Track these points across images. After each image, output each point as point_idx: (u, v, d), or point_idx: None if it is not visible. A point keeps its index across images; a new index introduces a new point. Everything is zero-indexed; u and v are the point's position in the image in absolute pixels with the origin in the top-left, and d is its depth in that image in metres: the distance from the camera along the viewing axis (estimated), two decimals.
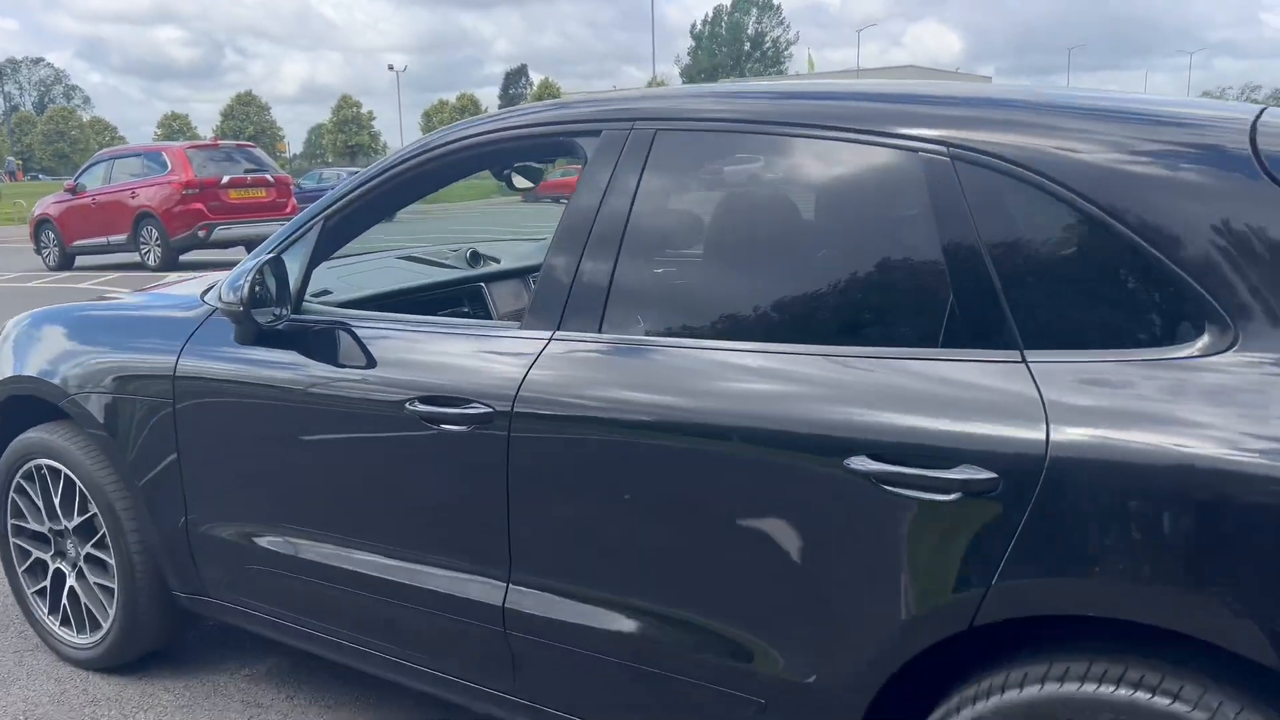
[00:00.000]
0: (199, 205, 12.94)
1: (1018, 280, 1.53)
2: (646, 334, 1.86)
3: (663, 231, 1.94)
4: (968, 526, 1.47)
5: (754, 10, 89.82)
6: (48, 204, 14.71)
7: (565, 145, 2.12)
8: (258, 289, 2.26)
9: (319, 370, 2.22)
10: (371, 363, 2.17)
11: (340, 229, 2.37)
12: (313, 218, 2.36)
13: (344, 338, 2.25)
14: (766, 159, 1.86)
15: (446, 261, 3.13)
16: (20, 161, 76.12)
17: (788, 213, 1.85)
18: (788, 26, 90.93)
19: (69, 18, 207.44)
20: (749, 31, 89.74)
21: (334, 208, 2.33)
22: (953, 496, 1.47)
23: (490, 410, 1.93)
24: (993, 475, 1.44)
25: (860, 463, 1.54)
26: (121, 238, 13.57)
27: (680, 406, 1.74)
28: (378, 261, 3.02)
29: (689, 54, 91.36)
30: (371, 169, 2.30)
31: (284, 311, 2.29)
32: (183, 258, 13.48)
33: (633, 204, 1.90)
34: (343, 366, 2.20)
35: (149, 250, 13.36)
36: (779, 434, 1.63)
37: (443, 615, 2.08)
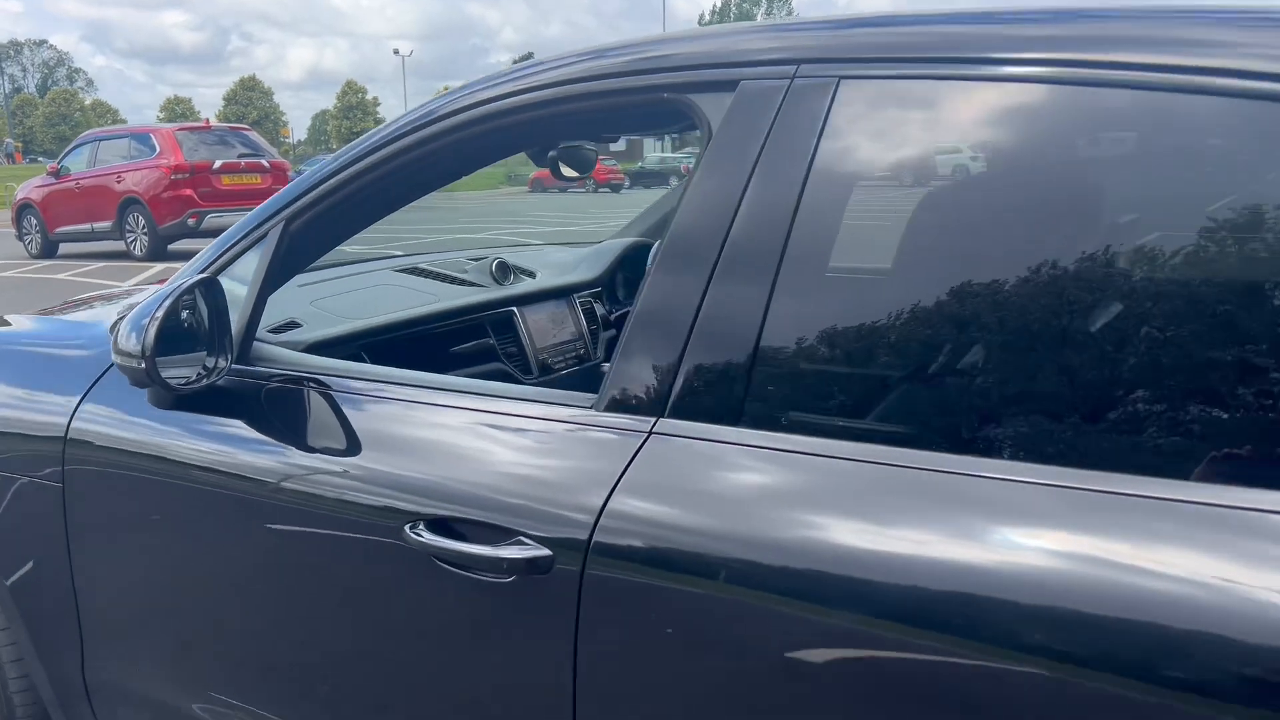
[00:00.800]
0: (188, 191, 12.06)
1: None
2: (829, 431, 1.07)
3: (859, 247, 1.15)
4: None
5: (763, 1, 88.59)
6: (31, 188, 13.85)
7: (663, 109, 1.32)
8: (186, 318, 1.48)
9: (271, 458, 1.43)
10: (352, 447, 1.38)
11: (309, 236, 1.57)
12: (267, 219, 1.56)
13: (314, 404, 1.46)
14: (1055, 126, 1.05)
15: (465, 276, 2.32)
16: (20, 144, 75.31)
17: (1104, 221, 1.03)
18: (796, 18, 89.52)
19: (74, 1, 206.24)
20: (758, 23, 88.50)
21: (300, 204, 1.53)
22: None
23: (547, 553, 1.14)
24: None
25: None
26: (106, 225, 12.71)
27: (903, 575, 0.95)
28: (368, 276, 2.21)
29: None
30: (353, 149, 1.50)
31: (221, 362, 1.50)
32: (171, 247, 12.65)
33: (800, 200, 1.11)
34: (311, 452, 1.41)
35: (135, 239, 12.51)
36: (1100, 637, 0.85)
37: None
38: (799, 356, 1.11)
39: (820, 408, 1.10)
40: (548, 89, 1.36)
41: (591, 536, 1.12)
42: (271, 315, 1.76)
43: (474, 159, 1.63)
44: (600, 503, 1.13)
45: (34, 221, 13.63)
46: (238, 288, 1.55)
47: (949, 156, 1.12)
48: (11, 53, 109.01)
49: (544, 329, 2.31)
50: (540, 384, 2.25)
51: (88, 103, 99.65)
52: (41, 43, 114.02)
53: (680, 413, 1.14)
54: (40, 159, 74.65)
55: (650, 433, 1.15)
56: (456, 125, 1.41)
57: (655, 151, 38.62)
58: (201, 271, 1.56)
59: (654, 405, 1.16)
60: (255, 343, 1.57)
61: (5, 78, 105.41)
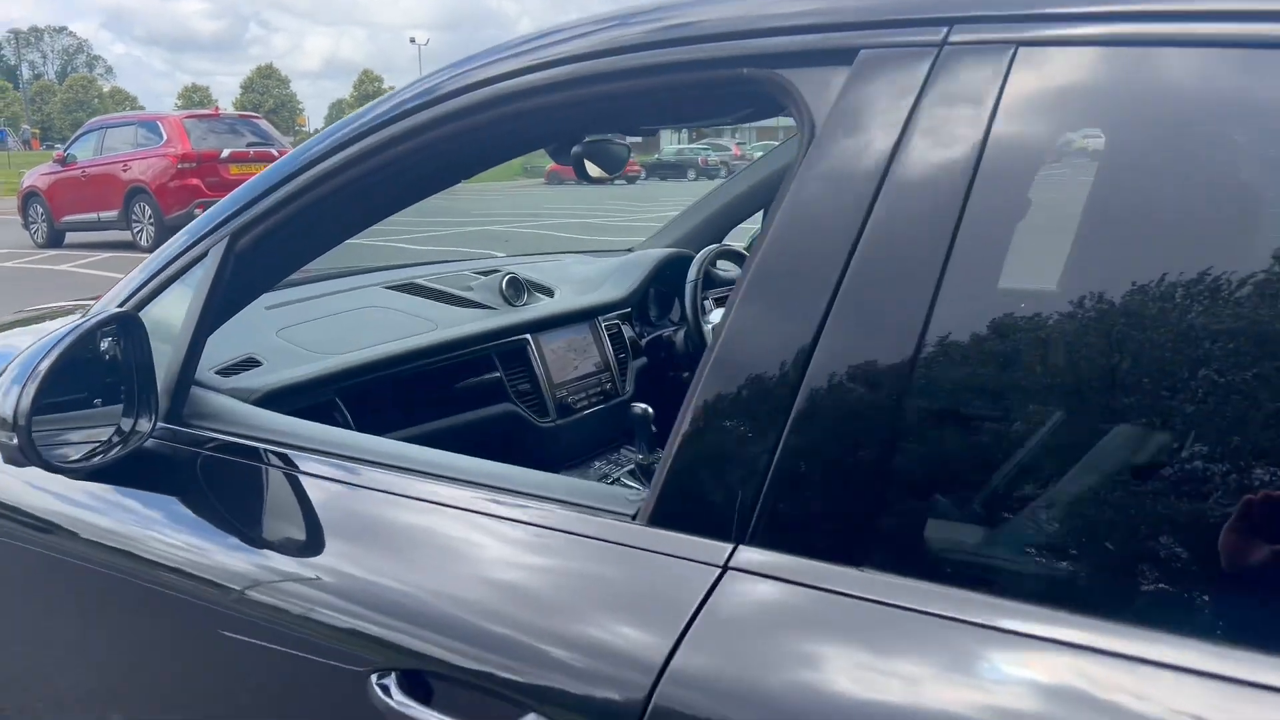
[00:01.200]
0: (195, 181, 11.70)
1: None
2: (1034, 589, 0.70)
3: (1058, 278, 0.78)
4: None
5: None
6: (36, 175, 13.56)
7: (732, 90, 0.95)
8: (107, 350, 1.13)
9: (200, 552, 1.07)
10: (312, 545, 1.02)
11: (262, 256, 1.20)
12: (205, 236, 1.19)
13: (258, 481, 1.11)
14: None
15: (469, 295, 1.94)
16: (38, 130, 75.52)
17: None
18: None
19: None
20: None
21: (249, 215, 1.16)
22: None
23: None
24: None
25: None
26: (113, 214, 12.38)
27: None
28: (352, 296, 1.83)
29: None
30: (315, 145, 1.13)
31: (142, 423, 1.14)
32: None
33: (963, 212, 0.74)
34: (253, 548, 1.05)
35: (141, 229, 12.18)
36: None
37: None
38: (984, 451, 0.73)
39: (1014, 540, 0.73)
40: (573, 63, 0.99)
41: None
42: (224, 350, 1.41)
43: (477, 157, 1.26)
44: (655, 671, 0.76)
45: (40, 210, 13.33)
46: (171, 325, 1.19)
47: (1197, 148, 0.74)
48: (31, 39, 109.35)
49: (563, 360, 1.94)
50: (561, 428, 1.89)
51: (106, 90, 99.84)
52: (61, 29, 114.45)
53: (773, 539, 0.77)
54: (57, 145, 74.85)
55: (725, 568, 0.78)
56: (451, 113, 1.05)
57: (672, 143, 38.21)
58: (120, 305, 1.20)
59: (729, 523, 0.79)
60: (195, 390, 1.21)
61: (25, 64, 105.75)
